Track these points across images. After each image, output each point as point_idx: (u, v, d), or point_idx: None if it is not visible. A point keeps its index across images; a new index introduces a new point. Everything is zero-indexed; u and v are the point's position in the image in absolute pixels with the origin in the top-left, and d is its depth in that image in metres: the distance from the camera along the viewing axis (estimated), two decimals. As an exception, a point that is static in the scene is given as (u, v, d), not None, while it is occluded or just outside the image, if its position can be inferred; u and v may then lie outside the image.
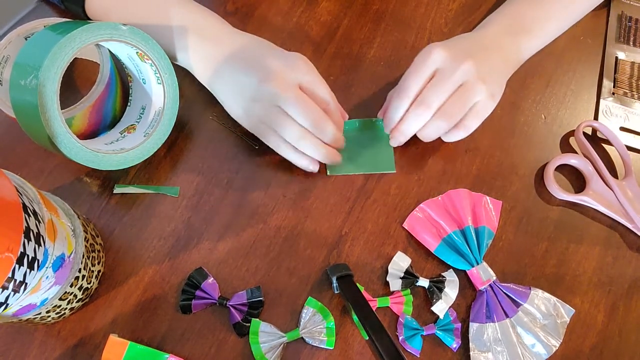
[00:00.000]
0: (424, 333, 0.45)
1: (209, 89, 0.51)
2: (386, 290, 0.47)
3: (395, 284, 0.47)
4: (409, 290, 0.47)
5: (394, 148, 0.53)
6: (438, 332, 0.46)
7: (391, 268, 0.48)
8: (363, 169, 0.52)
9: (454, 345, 0.45)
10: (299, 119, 0.46)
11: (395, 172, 0.52)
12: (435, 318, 0.47)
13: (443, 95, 0.48)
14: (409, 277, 0.47)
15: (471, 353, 0.45)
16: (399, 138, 0.50)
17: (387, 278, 0.47)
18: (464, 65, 0.48)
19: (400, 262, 0.48)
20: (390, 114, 0.50)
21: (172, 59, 0.50)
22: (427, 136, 0.50)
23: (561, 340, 0.46)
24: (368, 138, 0.53)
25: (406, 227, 0.50)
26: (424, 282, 0.47)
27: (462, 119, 0.49)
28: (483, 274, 0.47)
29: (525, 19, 0.54)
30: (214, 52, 0.49)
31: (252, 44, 0.49)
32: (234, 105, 0.49)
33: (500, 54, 0.52)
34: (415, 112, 0.48)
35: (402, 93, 0.49)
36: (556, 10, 0.56)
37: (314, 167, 0.49)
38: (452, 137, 0.51)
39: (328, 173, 0.52)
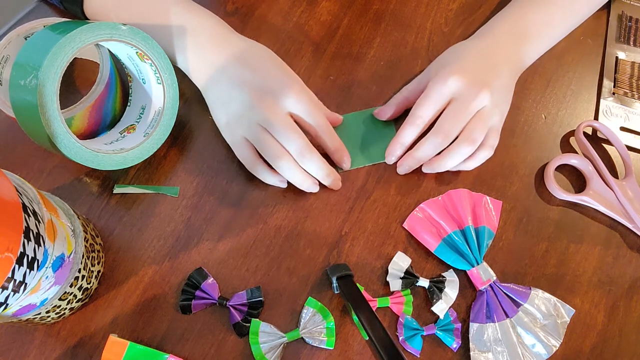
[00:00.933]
0: (424, 333, 0.45)
1: (202, 93, 0.51)
2: (386, 290, 0.47)
3: (395, 284, 0.47)
4: (409, 291, 0.47)
5: None
6: (438, 332, 0.46)
7: (391, 268, 0.48)
8: (373, 160, 0.52)
9: (454, 346, 0.45)
10: (285, 144, 0.47)
11: (387, 164, 0.52)
12: (435, 318, 0.47)
13: (461, 124, 0.48)
14: (409, 277, 0.47)
15: (471, 353, 0.45)
16: (410, 163, 0.50)
17: (387, 278, 0.47)
18: (481, 95, 0.48)
19: (401, 262, 0.48)
20: (402, 139, 0.50)
21: (172, 60, 0.50)
22: (447, 165, 0.49)
23: (561, 341, 0.46)
24: (373, 128, 0.53)
25: (406, 227, 0.50)
26: (424, 283, 0.47)
27: (483, 140, 0.49)
28: (483, 274, 0.47)
29: (529, 24, 0.54)
30: (212, 58, 0.49)
31: (252, 54, 0.49)
32: (221, 115, 0.49)
33: (508, 66, 0.52)
34: (433, 141, 0.48)
35: (417, 120, 0.49)
36: (559, 15, 0.56)
37: (282, 185, 0.49)
38: (476, 161, 0.50)
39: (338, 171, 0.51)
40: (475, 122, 0.48)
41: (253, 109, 0.46)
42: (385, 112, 0.53)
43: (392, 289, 0.47)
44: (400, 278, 0.47)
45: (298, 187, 0.49)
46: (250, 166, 0.49)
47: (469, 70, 0.49)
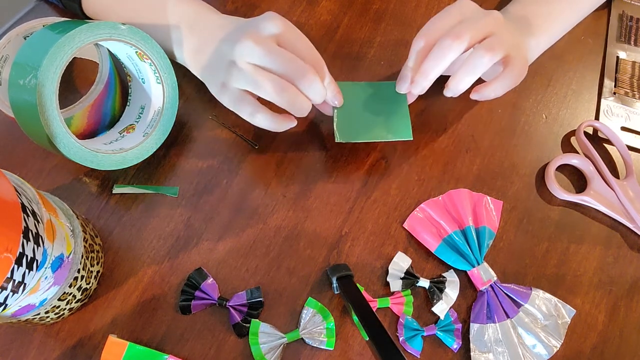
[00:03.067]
0: (425, 334, 0.45)
1: (202, 80, 0.49)
2: (386, 291, 0.47)
3: (395, 285, 0.47)
4: (409, 291, 0.47)
5: (387, 145, 0.51)
6: (439, 332, 0.45)
7: (391, 268, 0.47)
8: (377, 136, 0.48)
9: (455, 346, 0.45)
10: (277, 69, 0.42)
11: (412, 139, 0.50)
12: (435, 319, 0.46)
13: (473, 31, 0.44)
14: (409, 278, 0.47)
15: (472, 354, 0.45)
16: (422, 83, 0.46)
17: (387, 278, 0.47)
18: (493, 14, 0.46)
19: (401, 262, 0.48)
20: (411, 59, 0.47)
21: (171, 56, 0.50)
22: (465, 80, 0.45)
23: (562, 341, 0.46)
24: (382, 102, 0.50)
25: (406, 227, 0.49)
26: (424, 283, 0.47)
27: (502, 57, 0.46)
28: (484, 275, 0.47)
29: (531, 19, 0.54)
30: (202, 43, 0.47)
31: (235, 22, 0.47)
32: (214, 80, 0.46)
33: (521, 49, 0.51)
34: (442, 45, 0.44)
35: (428, 33, 0.46)
36: (561, 10, 0.56)
37: (292, 122, 0.46)
38: (501, 85, 0.47)
39: (337, 139, 0.47)
40: (489, 38, 0.45)
41: (236, 47, 0.42)
42: (406, 77, 0.48)
43: (392, 290, 0.47)
44: (401, 278, 0.47)
45: (304, 111, 0.44)
46: (256, 120, 0.44)
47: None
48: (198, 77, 0.50)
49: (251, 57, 0.42)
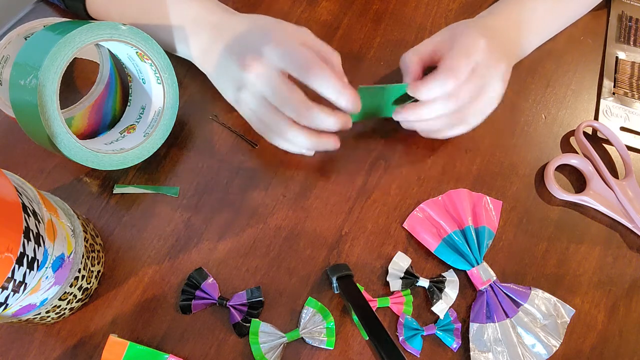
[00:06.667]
0: (424, 333, 0.45)
1: (209, 78, 0.50)
2: (386, 291, 0.47)
3: (395, 284, 0.47)
4: (409, 291, 0.47)
5: (387, 145, 0.52)
6: (438, 332, 0.46)
7: (391, 268, 0.48)
8: (375, 115, 0.51)
9: (454, 346, 0.45)
10: (282, 109, 0.43)
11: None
12: (435, 318, 0.47)
13: (472, 93, 0.47)
14: (409, 278, 0.47)
15: (471, 353, 0.45)
16: (410, 117, 0.48)
17: (387, 278, 0.47)
18: (500, 67, 0.47)
19: (401, 262, 0.48)
20: (428, 88, 0.46)
21: (172, 50, 0.50)
22: (421, 114, 0.47)
23: (561, 341, 0.46)
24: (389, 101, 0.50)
25: (406, 227, 0.50)
26: (424, 283, 0.47)
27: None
28: (483, 274, 0.47)
29: (524, 14, 0.53)
30: (212, 42, 0.47)
31: (250, 26, 0.46)
32: (228, 93, 0.47)
33: (509, 47, 0.52)
34: (446, 105, 0.46)
35: (452, 78, 0.45)
36: (555, 6, 0.56)
37: (309, 153, 0.47)
38: (450, 133, 0.49)
39: (352, 121, 0.47)
40: (477, 104, 0.47)
41: (243, 73, 0.43)
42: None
43: (392, 289, 0.47)
44: (401, 278, 0.47)
45: (316, 149, 0.47)
46: (276, 143, 0.47)
47: (492, 39, 0.48)
48: (204, 72, 0.50)
49: (258, 93, 0.44)
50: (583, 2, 0.58)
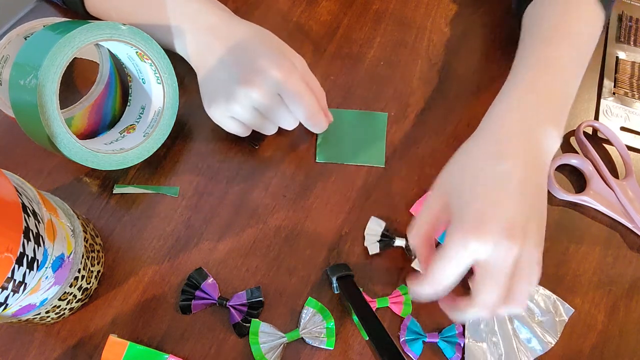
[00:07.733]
0: (426, 340, 0.45)
1: (197, 77, 0.49)
2: (386, 290, 0.47)
3: (373, 248, 0.48)
4: (408, 290, 0.47)
5: (387, 145, 0.53)
6: (441, 342, 0.45)
7: (367, 233, 0.48)
8: (353, 160, 0.52)
9: (454, 358, 0.45)
10: (274, 122, 0.48)
11: (384, 167, 0.52)
12: (437, 325, 0.46)
13: (500, 289, 0.36)
14: (385, 239, 0.48)
15: (466, 341, 0.45)
16: (428, 294, 0.38)
17: (364, 244, 0.48)
18: (512, 252, 0.35)
19: (375, 226, 0.49)
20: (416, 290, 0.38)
21: (170, 47, 0.50)
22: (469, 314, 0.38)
23: (558, 338, 0.46)
24: (363, 130, 0.54)
25: (413, 213, 0.50)
26: (400, 242, 0.48)
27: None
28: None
29: (542, 96, 0.42)
30: (209, 45, 0.47)
31: (249, 37, 0.47)
32: (215, 100, 0.47)
33: (535, 177, 0.39)
34: (474, 313, 0.37)
35: (437, 286, 0.37)
36: (572, 66, 0.45)
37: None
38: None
39: (317, 160, 0.52)
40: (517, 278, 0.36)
41: (241, 89, 0.45)
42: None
43: (370, 253, 0.48)
44: (378, 241, 0.48)
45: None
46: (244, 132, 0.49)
47: (491, 219, 0.36)
48: (194, 70, 0.49)
49: (255, 106, 0.46)
50: (590, 44, 0.48)
